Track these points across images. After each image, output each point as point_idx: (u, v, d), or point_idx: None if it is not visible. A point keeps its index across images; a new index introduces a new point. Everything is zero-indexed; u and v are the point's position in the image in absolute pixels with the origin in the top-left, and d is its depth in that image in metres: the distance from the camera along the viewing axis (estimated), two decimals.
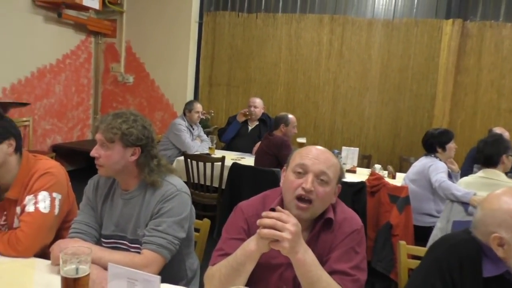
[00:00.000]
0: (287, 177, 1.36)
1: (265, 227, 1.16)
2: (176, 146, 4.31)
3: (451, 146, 3.23)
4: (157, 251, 1.48)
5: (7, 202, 1.70)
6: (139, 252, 1.53)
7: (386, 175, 3.62)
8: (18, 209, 1.69)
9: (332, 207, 1.39)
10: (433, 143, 3.23)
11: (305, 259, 1.19)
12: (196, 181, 3.75)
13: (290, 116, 3.82)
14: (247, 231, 1.39)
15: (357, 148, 4.06)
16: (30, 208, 1.63)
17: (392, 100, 5.46)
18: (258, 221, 1.18)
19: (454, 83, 5.21)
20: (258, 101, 4.72)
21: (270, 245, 1.19)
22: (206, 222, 1.87)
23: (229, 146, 4.74)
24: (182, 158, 3.84)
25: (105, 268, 1.38)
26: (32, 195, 1.66)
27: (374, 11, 5.43)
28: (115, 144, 1.53)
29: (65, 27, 5.67)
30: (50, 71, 5.54)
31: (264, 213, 1.19)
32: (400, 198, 2.97)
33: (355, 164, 3.98)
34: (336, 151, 3.87)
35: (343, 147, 4.03)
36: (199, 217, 1.84)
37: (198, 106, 4.53)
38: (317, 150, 1.38)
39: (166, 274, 1.39)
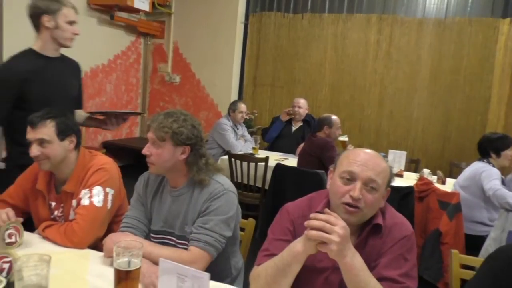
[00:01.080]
0: (334, 181, 1.33)
1: (313, 228, 1.16)
2: (221, 145, 4.37)
3: (507, 153, 3.04)
4: (204, 249, 1.50)
5: (64, 195, 1.80)
6: (186, 249, 1.56)
7: (435, 180, 3.49)
8: (74, 202, 1.78)
9: (381, 212, 1.35)
10: (487, 147, 3.07)
11: (353, 263, 1.17)
12: (239, 180, 3.78)
13: (334, 117, 3.75)
14: (293, 232, 1.39)
15: (405, 152, 3.93)
16: (85, 201, 1.72)
17: (442, 102, 5.25)
18: (306, 223, 1.18)
19: (511, 86, 4.93)
20: (302, 102, 4.69)
21: (317, 247, 1.18)
22: (251, 221, 1.88)
23: (272, 147, 4.74)
24: (226, 157, 3.88)
25: (154, 263, 1.43)
26: (87, 189, 1.74)
27: (425, 10, 5.24)
28: (165, 143, 1.57)
29: (117, 29, 5.90)
30: (102, 71, 5.78)
31: (312, 215, 1.18)
32: (450, 205, 2.85)
33: (402, 168, 3.86)
34: (382, 154, 3.76)
35: (390, 150, 3.92)
36: (242, 216, 1.85)
37: (242, 106, 4.56)
38: (366, 154, 1.33)
39: (211, 272, 1.40)
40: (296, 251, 1.22)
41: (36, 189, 1.82)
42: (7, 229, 1.58)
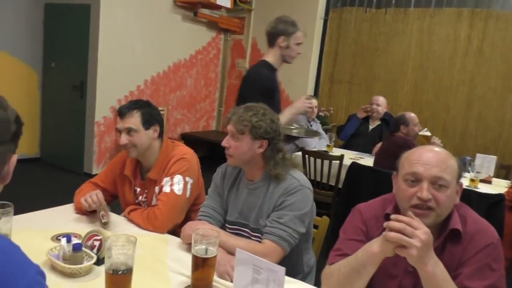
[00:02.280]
0: (399, 186, 1.27)
1: (392, 230, 1.11)
2: (294, 141, 4.36)
3: None
4: (277, 242, 1.51)
5: (148, 181, 1.91)
6: (259, 241, 1.58)
7: None
8: (156, 189, 1.88)
9: (460, 217, 1.26)
10: None
11: (435, 272, 1.10)
12: (312, 177, 3.74)
13: (409, 114, 3.56)
14: (366, 232, 1.35)
15: (495, 157, 3.62)
16: (166, 189, 1.81)
17: None
18: (385, 224, 1.13)
19: None
20: (381, 99, 4.51)
21: (395, 250, 1.13)
22: (325, 219, 1.86)
23: (347, 145, 4.62)
24: (299, 153, 3.86)
25: (228, 252, 1.47)
26: (169, 177, 1.83)
27: None
28: (244, 136, 1.60)
29: (199, 25, 6.13)
30: (184, 66, 6.04)
31: (393, 216, 1.13)
32: None
33: (491, 173, 3.56)
34: (468, 158, 3.51)
35: (478, 155, 3.62)
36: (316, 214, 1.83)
37: (314, 102, 4.50)
38: (427, 151, 1.25)
39: (283, 266, 1.41)
40: (372, 251, 1.17)
41: (123, 175, 1.95)
42: (100, 211, 1.72)
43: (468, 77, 5.13)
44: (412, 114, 3.60)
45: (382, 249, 1.15)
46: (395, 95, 5.55)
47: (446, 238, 1.24)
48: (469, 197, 2.68)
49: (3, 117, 0.75)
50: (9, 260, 0.65)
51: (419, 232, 1.08)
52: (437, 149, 1.27)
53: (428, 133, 3.76)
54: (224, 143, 1.64)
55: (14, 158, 0.80)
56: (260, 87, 2.41)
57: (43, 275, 0.69)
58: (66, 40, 5.06)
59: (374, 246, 1.17)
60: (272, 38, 2.52)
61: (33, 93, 5.29)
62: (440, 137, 5.23)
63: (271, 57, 2.55)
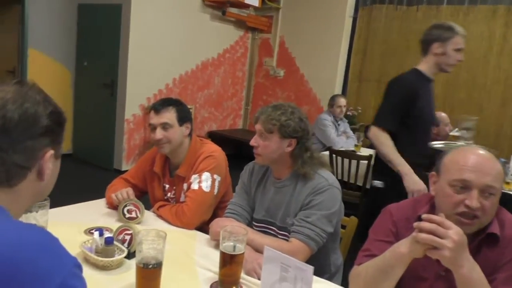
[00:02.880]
0: (443, 189, 1.21)
1: (423, 231, 1.08)
2: (321, 140, 4.33)
3: None
4: (305, 241, 1.51)
5: (176, 178, 1.94)
6: (286, 240, 1.58)
7: None
8: (185, 186, 1.91)
9: (499, 221, 1.21)
10: None
11: (472, 276, 1.07)
12: (339, 177, 3.71)
13: (439, 114, 3.48)
14: (396, 234, 1.32)
15: None
16: (194, 186, 1.83)
17: None
18: (416, 224, 1.10)
19: None
20: None
21: (425, 252, 1.10)
22: (353, 219, 1.84)
23: None
24: (326, 153, 3.83)
25: (256, 250, 1.47)
26: (197, 175, 1.86)
27: None
28: (273, 135, 1.60)
29: (227, 24, 6.16)
30: (211, 64, 6.09)
31: (424, 216, 1.10)
32: None
33: None
34: (503, 159, 3.39)
35: None
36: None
37: (341, 101, 4.47)
38: (478, 157, 1.18)
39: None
40: (400, 252, 1.15)
41: (153, 172, 1.99)
42: (125, 206, 1.76)
43: (503, 76, 4.95)
44: (443, 114, 3.52)
45: (411, 250, 1.12)
46: None
47: (481, 242, 1.21)
48: (504, 199, 2.59)
49: (30, 112, 0.75)
50: (49, 252, 0.67)
51: (452, 233, 1.05)
52: (482, 152, 1.21)
53: (459, 133, 3.66)
54: (253, 142, 1.65)
55: (48, 155, 0.78)
56: (397, 90, 2.34)
57: (80, 268, 0.70)
58: (98, 40, 5.19)
59: (403, 247, 1.15)
60: (425, 45, 2.40)
61: (66, 91, 5.45)
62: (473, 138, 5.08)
63: (423, 65, 2.42)
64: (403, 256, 1.14)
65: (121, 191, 1.82)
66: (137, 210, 1.77)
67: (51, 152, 0.79)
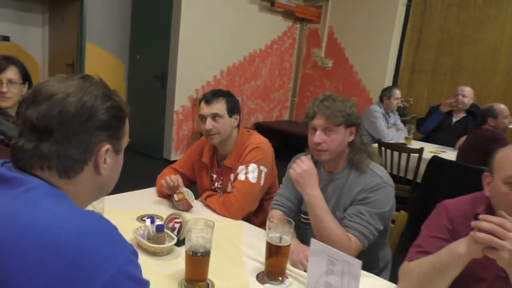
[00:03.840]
0: (498, 188, 1.15)
1: (481, 231, 1.03)
2: (370, 133, 4.22)
3: None
4: (359, 238, 1.48)
5: (224, 169, 1.97)
6: None
7: None
8: (232, 176, 1.94)
9: None
10: None
11: None
12: (388, 170, 3.59)
13: (498, 106, 3.28)
14: (452, 231, 1.27)
15: None
16: (241, 176, 1.85)
17: None
18: (473, 223, 1.06)
19: None
20: (467, 90, 4.18)
21: (484, 251, 1.05)
22: (403, 214, 1.79)
23: (428, 138, 4.36)
24: (375, 145, 3.73)
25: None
26: (244, 166, 1.88)
27: None
28: (340, 127, 1.56)
29: (275, 15, 6.13)
30: (259, 56, 6.10)
31: (482, 216, 1.06)
32: None
33: None
34: None
35: None
36: None
37: (398, 93, 4.32)
38: None
39: None
40: (458, 252, 1.11)
41: (201, 162, 2.03)
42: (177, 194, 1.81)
43: None
44: (502, 106, 3.32)
45: (470, 250, 1.08)
46: (483, 85, 5.13)
47: None
48: None
49: (87, 105, 0.76)
50: (109, 239, 0.70)
51: None
52: None
53: None
54: (317, 139, 1.56)
55: (104, 149, 0.78)
56: None
57: (136, 254, 0.73)
58: (150, 33, 5.34)
59: (461, 247, 1.11)
60: None
61: (120, 83, 5.68)
62: None
63: None
64: (461, 256, 1.10)
65: (170, 177, 1.84)
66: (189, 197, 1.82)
67: (107, 146, 0.79)
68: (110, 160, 0.81)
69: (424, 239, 1.31)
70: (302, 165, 1.54)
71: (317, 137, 1.57)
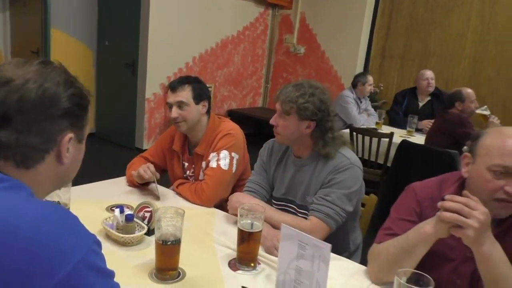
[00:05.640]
0: (480, 174, 1.15)
1: (447, 210, 1.06)
2: (342, 118, 4.27)
3: None
4: (324, 220, 1.50)
5: (195, 156, 1.95)
6: (305, 218, 1.57)
7: None
8: (203, 164, 1.92)
9: None
10: None
11: (492, 254, 1.06)
12: (360, 155, 3.66)
13: (465, 90, 3.37)
14: (419, 214, 1.30)
15: None
16: (213, 164, 1.84)
17: None
18: (440, 203, 1.09)
19: None
20: (430, 73, 4.28)
21: (450, 230, 1.08)
22: (373, 198, 1.82)
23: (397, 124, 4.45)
24: (347, 130, 3.78)
25: (274, 227, 1.47)
26: (215, 153, 1.86)
27: None
28: (291, 117, 1.57)
29: (247, 0, 6.06)
30: (231, 42, 6.03)
31: (448, 196, 1.08)
32: None
33: None
34: None
35: None
36: None
37: (371, 79, 4.39)
38: None
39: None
40: (425, 232, 1.14)
41: (172, 150, 2.01)
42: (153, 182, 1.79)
43: None
44: (469, 90, 3.41)
45: (436, 230, 1.11)
46: (451, 70, 5.26)
47: (510, 224, 1.18)
48: None
49: (49, 92, 0.72)
50: (68, 230, 0.67)
51: (477, 213, 1.04)
52: None
53: (487, 112, 3.54)
54: (272, 121, 1.63)
55: (67, 138, 0.76)
56: None
57: (99, 244, 0.71)
58: (118, 19, 5.19)
59: (427, 227, 1.14)
60: None
61: (88, 71, 5.51)
62: (500, 115, 4.92)
63: None
64: (428, 236, 1.13)
65: (142, 166, 1.82)
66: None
67: (71, 135, 0.76)
68: (72, 149, 0.78)
69: (392, 222, 1.33)
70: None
71: (273, 118, 1.62)
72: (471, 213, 1.03)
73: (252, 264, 1.30)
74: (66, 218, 0.69)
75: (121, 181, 1.98)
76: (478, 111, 3.52)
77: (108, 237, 1.38)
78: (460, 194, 1.14)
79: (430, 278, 0.97)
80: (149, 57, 5.02)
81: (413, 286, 0.95)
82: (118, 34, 5.23)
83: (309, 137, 1.61)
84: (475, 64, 5.13)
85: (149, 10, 4.88)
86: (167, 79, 5.26)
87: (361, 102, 4.41)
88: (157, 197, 1.79)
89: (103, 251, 0.72)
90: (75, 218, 0.70)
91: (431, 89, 4.26)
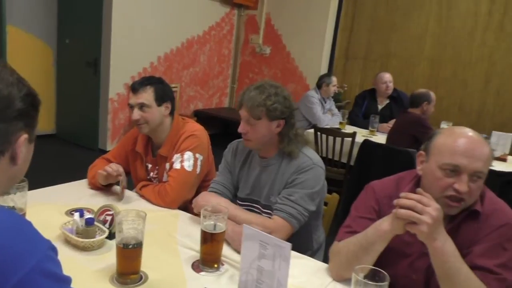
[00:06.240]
0: (432, 172, 1.20)
1: (403, 207, 1.11)
2: (307, 118, 4.33)
3: None
4: (286, 219, 1.52)
5: (159, 158, 1.93)
6: (270, 217, 1.59)
7: None
8: (167, 165, 1.90)
9: (479, 197, 1.24)
10: None
11: (444, 248, 1.11)
12: (324, 155, 3.73)
13: (432, 93, 3.53)
14: (378, 211, 1.34)
15: (511, 134, 3.55)
16: (177, 165, 1.83)
17: None
18: (395, 201, 1.13)
19: None
20: (389, 76, 4.42)
21: (405, 227, 1.13)
22: (335, 196, 1.86)
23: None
24: (311, 130, 3.84)
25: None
26: (179, 154, 1.85)
27: None
28: (261, 120, 1.58)
29: (213, 0, 6.04)
30: (197, 42, 5.99)
31: (403, 194, 1.13)
32: None
33: (507, 151, 3.50)
34: (484, 135, 3.44)
35: (494, 132, 3.57)
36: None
37: (335, 80, 4.48)
38: (471, 141, 1.17)
39: (292, 243, 1.42)
40: (382, 229, 1.18)
41: (135, 151, 1.98)
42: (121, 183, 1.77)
43: (488, 53, 4.99)
44: (431, 93, 3.58)
45: (393, 226, 1.16)
46: (411, 71, 5.44)
47: (463, 218, 1.23)
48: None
49: (3, 94, 0.71)
50: (21, 236, 0.66)
51: (430, 209, 1.08)
52: (473, 135, 1.20)
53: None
54: (241, 129, 1.62)
55: (22, 139, 0.75)
56: None
57: (54, 250, 0.69)
58: (80, 16, 5.05)
59: (385, 224, 1.18)
60: None
61: (48, 69, 5.33)
62: (457, 114, 5.17)
63: None
64: (385, 233, 1.18)
65: (110, 165, 1.78)
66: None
67: (25, 136, 0.76)
68: (24, 149, 0.78)
69: (352, 220, 1.37)
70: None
71: (241, 127, 1.62)
72: (424, 210, 1.08)
73: (216, 265, 1.30)
74: (20, 224, 0.68)
75: (82, 184, 1.93)
76: (442, 126, 3.71)
77: (68, 242, 1.35)
78: (416, 192, 1.19)
79: (386, 273, 1.01)
80: (112, 56, 4.91)
81: (369, 282, 0.98)
82: (79, 32, 5.09)
83: (276, 136, 1.63)
84: (433, 66, 5.34)
85: (112, 8, 4.78)
86: (131, 79, 5.16)
87: (325, 102, 4.49)
88: (121, 199, 1.76)
89: (61, 257, 0.70)
90: (29, 224, 0.69)
91: (390, 92, 4.40)
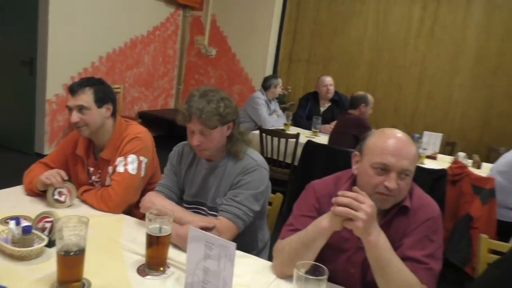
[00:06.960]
0: (365, 171, 1.30)
1: (340, 205, 1.18)
2: (253, 119, 4.39)
3: None
4: (232, 220, 1.55)
5: (101, 161, 1.88)
6: (215, 219, 1.61)
7: (470, 164, 3.39)
8: (110, 169, 1.86)
9: (408, 193, 1.35)
10: None
11: (378, 241, 1.19)
12: (269, 155, 3.81)
13: (369, 95, 3.74)
14: (318, 209, 1.41)
15: (441, 134, 3.83)
16: (120, 168, 1.79)
17: (486, 85, 5.03)
18: (334, 199, 1.20)
19: None
20: (330, 79, 4.61)
21: (343, 224, 1.20)
22: (279, 196, 1.92)
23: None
24: (257, 132, 3.90)
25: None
26: (122, 157, 1.82)
27: None
28: (216, 128, 1.58)
29: (157, 0, 5.93)
30: (141, 42, 5.87)
31: (340, 192, 1.21)
32: (484, 190, 2.78)
33: (437, 150, 3.77)
34: (417, 135, 3.69)
35: (425, 132, 3.83)
36: (271, 191, 1.88)
37: (281, 81, 4.59)
38: (399, 142, 1.28)
39: (238, 243, 1.44)
40: (322, 226, 1.24)
41: (76, 155, 1.91)
42: (56, 188, 1.70)
43: (420, 58, 5.33)
44: (370, 96, 3.77)
45: (331, 223, 1.23)
46: (351, 74, 5.68)
47: (394, 214, 1.33)
48: (415, 172, 2.84)
49: None
50: None
51: (365, 206, 1.16)
52: (401, 135, 1.30)
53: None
54: (196, 142, 1.59)
55: None
56: None
57: None
58: (13, 12, 4.76)
59: (324, 221, 1.25)
60: None
61: None
62: (392, 116, 5.48)
63: None
64: (324, 230, 1.24)
65: (50, 172, 1.72)
66: (68, 195, 1.71)
67: None
68: None
69: (295, 218, 1.43)
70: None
71: (195, 140, 1.59)
72: (359, 207, 1.16)
73: (162, 268, 1.30)
74: None
75: (18, 190, 1.84)
76: None
77: (3, 252, 1.28)
78: (352, 190, 1.27)
79: (325, 268, 1.07)
80: (49, 56, 4.68)
81: (309, 276, 1.04)
82: (13, 29, 4.80)
83: (225, 138, 1.66)
84: (371, 70, 5.61)
85: (49, 4, 4.56)
86: (71, 79, 4.94)
87: (270, 103, 4.58)
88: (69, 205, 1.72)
89: None
90: None
91: (330, 95, 4.59)
